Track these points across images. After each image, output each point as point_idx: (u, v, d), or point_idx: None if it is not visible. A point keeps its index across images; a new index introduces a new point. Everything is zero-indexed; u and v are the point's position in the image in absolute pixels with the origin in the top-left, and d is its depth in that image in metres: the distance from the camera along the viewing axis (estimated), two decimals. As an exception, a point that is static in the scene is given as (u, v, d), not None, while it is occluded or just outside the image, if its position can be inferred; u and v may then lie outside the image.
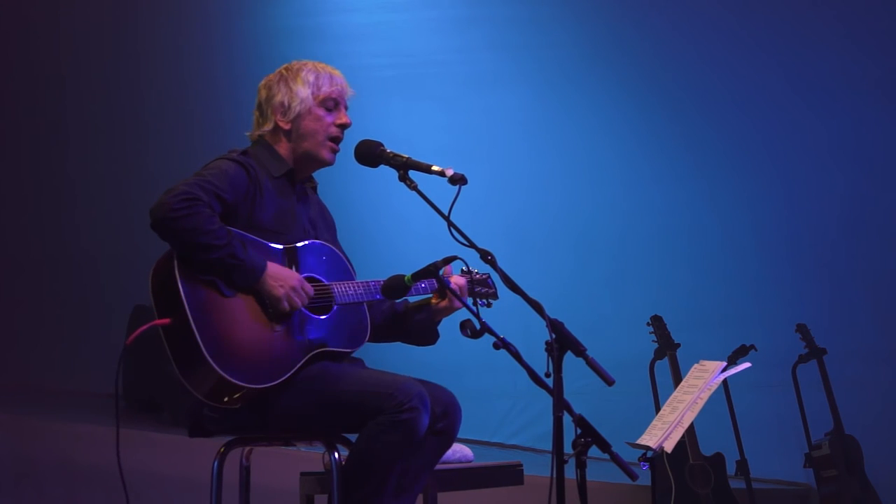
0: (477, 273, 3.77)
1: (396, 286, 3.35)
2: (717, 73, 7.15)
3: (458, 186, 3.26)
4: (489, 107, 7.31)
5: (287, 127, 3.61)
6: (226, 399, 3.29)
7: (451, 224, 3.22)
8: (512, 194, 7.24)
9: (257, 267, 3.31)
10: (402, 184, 3.42)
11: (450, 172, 3.31)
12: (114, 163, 7.44)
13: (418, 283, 3.47)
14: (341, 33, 7.24)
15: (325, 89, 3.63)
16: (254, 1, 7.42)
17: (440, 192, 3.26)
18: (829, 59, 6.98)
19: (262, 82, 3.70)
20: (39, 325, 7.44)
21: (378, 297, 3.51)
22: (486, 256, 3.20)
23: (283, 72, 3.67)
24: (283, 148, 3.62)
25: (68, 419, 6.10)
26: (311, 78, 3.63)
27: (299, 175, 3.64)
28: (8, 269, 7.51)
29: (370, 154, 3.51)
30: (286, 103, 3.61)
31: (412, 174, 3.42)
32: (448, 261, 3.28)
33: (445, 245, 3.28)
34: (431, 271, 3.26)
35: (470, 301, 3.32)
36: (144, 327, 3.28)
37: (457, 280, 3.61)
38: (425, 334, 3.70)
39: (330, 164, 3.66)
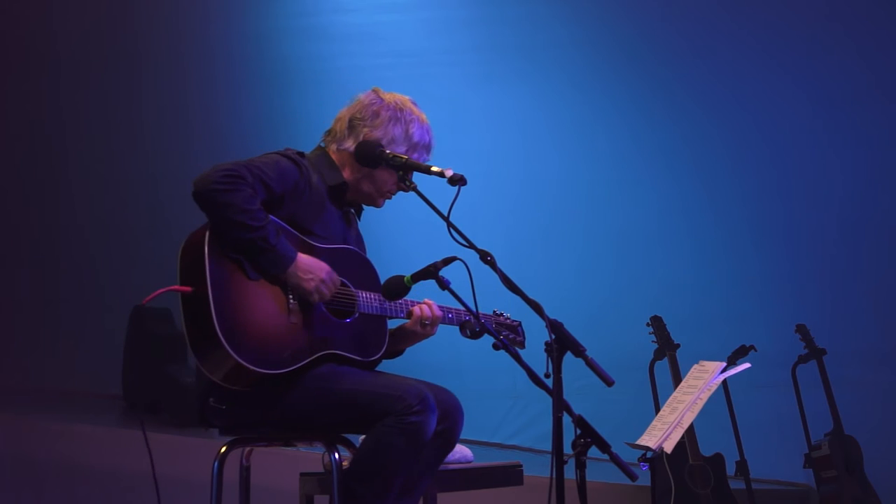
0: (509, 318, 3.77)
1: (396, 286, 3.35)
2: (716, 72, 7.15)
3: (457, 187, 3.26)
4: (488, 107, 7.31)
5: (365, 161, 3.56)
6: (232, 379, 3.26)
7: (450, 224, 3.22)
8: (511, 194, 7.24)
9: (287, 256, 3.30)
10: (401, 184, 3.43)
11: (449, 173, 3.31)
12: (113, 163, 7.43)
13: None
14: (341, 33, 7.24)
15: (416, 157, 3.58)
16: (254, 1, 7.42)
17: (440, 192, 3.26)
18: (829, 58, 6.99)
19: (371, 97, 3.61)
20: (39, 325, 7.44)
21: (402, 315, 3.51)
22: (485, 257, 3.20)
23: (398, 109, 3.60)
24: (347, 171, 3.60)
25: (68, 419, 6.10)
26: (416, 139, 3.60)
27: (350, 195, 3.63)
28: (8, 269, 7.51)
29: (370, 154, 3.52)
30: (382, 143, 3.55)
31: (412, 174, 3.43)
32: (448, 261, 3.27)
33: (445, 245, 3.28)
34: (431, 272, 3.25)
35: (471, 303, 3.31)
36: (163, 290, 3.28)
37: (429, 308, 3.54)
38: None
39: (378, 207, 3.69)
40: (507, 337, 3.72)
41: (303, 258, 3.34)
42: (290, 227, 3.41)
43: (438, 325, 3.59)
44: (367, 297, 3.48)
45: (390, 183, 3.60)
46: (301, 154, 3.54)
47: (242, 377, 3.26)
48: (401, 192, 3.60)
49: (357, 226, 3.74)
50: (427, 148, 3.64)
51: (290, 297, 3.34)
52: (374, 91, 3.66)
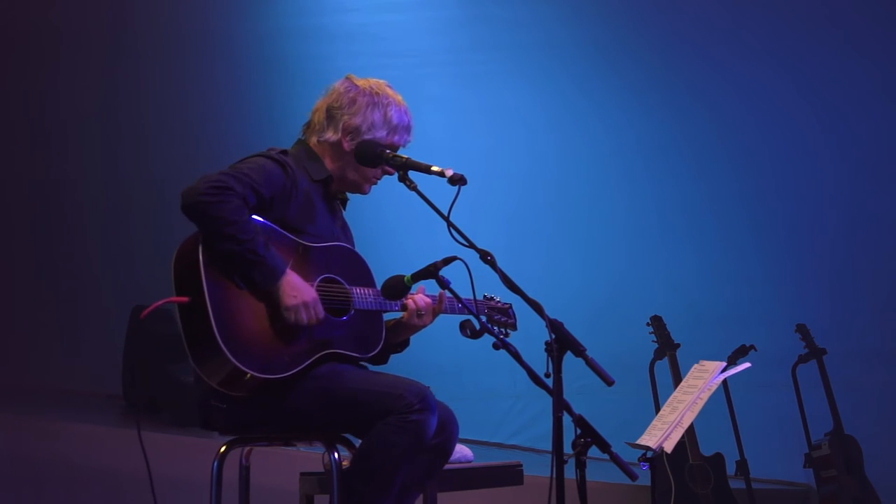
0: (499, 301, 3.77)
1: (396, 286, 3.34)
2: (717, 72, 7.16)
3: (457, 187, 3.26)
4: (489, 106, 7.30)
5: (347, 149, 3.56)
6: (233, 385, 3.27)
7: (450, 224, 3.22)
8: (512, 194, 7.24)
9: (277, 267, 3.28)
10: (401, 184, 3.42)
11: (449, 173, 3.30)
12: (113, 163, 7.43)
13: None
14: (341, 33, 7.24)
15: (397, 140, 3.59)
16: (254, 1, 7.42)
17: (440, 192, 3.26)
18: (829, 59, 6.99)
19: (346, 85, 3.60)
20: (39, 325, 7.43)
21: (395, 308, 3.50)
22: (485, 257, 3.19)
23: (374, 94, 3.58)
24: (328, 161, 3.58)
25: (68, 419, 6.09)
26: (395, 121, 3.57)
27: (335, 186, 3.62)
28: (7, 269, 7.51)
29: (370, 154, 3.52)
30: (362, 130, 3.54)
31: (412, 174, 3.42)
32: (448, 261, 3.27)
33: (445, 245, 3.28)
34: (431, 271, 3.25)
35: (471, 303, 3.31)
36: (161, 302, 3.27)
37: (422, 298, 3.55)
38: (383, 355, 3.64)
39: (365, 194, 3.66)
40: (500, 320, 3.72)
41: (292, 275, 3.32)
42: (281, 230, 3.39)
43: (435, 315, 3.57)
44: (361, 294, 3.47)
45: (375, 168, 3.59)
46: (284, 152, 3.52)
47: (244, 383, 3.26)
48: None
49: (342, 216, 3.71)
50: (407, 129, 3.62)
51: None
52: (348, 78, 3.64)
